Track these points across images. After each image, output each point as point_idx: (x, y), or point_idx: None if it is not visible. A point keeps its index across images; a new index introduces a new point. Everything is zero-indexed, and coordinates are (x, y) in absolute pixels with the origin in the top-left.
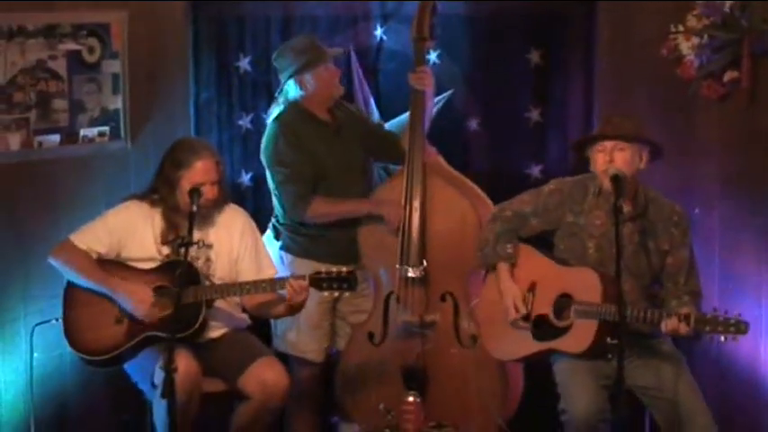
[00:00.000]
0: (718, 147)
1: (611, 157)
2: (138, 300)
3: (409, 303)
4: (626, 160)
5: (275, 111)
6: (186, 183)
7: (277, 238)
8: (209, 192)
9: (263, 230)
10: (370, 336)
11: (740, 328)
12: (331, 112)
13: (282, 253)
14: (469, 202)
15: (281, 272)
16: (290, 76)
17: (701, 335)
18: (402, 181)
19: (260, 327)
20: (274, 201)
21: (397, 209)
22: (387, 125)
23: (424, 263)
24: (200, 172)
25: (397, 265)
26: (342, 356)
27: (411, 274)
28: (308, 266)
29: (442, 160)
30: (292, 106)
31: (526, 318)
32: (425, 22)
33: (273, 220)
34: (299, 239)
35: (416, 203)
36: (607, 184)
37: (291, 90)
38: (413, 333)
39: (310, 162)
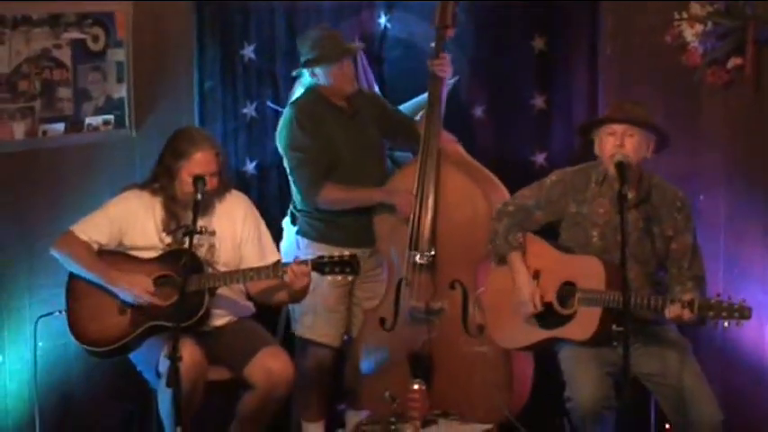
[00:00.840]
0: (722, 133)
1: (622, 142)
2: (139, 290)
3: (416, 289)
4: (635, 146)
5: (296, 92)
6: (185, 173)
7: (294, 222)
8: (209, 183)
9: (267, 218)
10: (382, 321)
11: (744, 313)
12: (348, 98)
13: (299, 237)
14: (482, 191)
15: (297, 256)
16: (303, 65)
17: (705, 320)
18: (416, 168)
19: (265, 316)
20: (291, 186)
21: (408, 198)
22: None
23: (432, 249)
24: (198, 163)
25: (407, 251)
26: (354, 342)
27: (418, 259)
28: (325, 251)
29: (461, 148)
30: (310, 91)
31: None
32: (449, 11)
33: (291, 205)
34: (316, 224)
35: (429, 189)
36: (612, 170)
37: (306, 78)
38: (420, 320)
39: (325, 147)
